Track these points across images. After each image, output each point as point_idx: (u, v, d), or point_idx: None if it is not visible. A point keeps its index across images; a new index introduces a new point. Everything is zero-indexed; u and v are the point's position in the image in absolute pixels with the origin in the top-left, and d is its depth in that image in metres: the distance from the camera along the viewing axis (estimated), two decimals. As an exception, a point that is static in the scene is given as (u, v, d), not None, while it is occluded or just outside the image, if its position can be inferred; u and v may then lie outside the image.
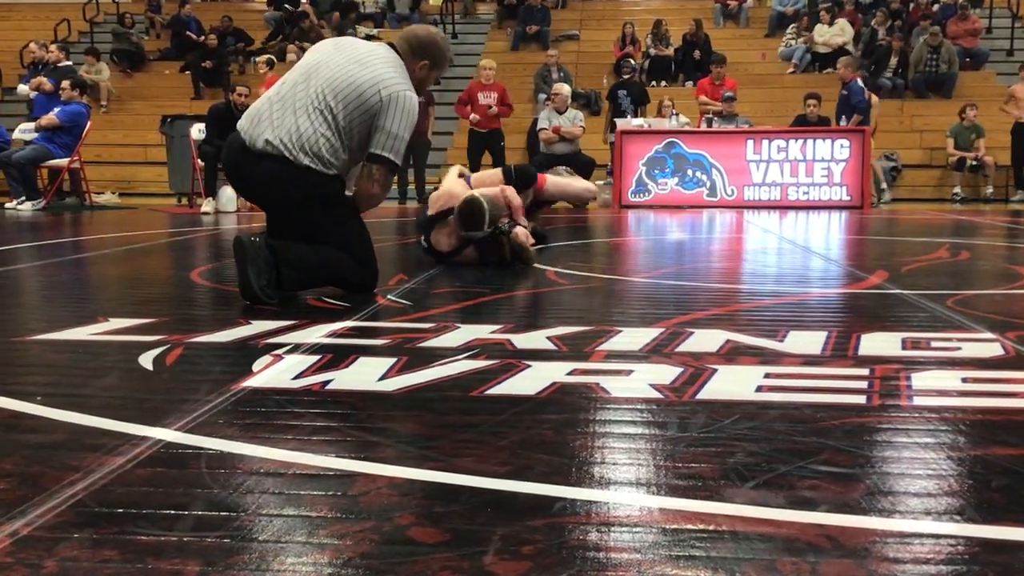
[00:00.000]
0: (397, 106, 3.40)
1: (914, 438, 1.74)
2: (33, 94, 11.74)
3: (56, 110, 10.50)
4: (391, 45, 3.64)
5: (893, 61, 14.48)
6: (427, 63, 3.64)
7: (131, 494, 1.43)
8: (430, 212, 4.63)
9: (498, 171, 5.41)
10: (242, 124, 3.51)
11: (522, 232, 4.63)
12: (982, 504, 1.40)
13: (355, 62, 3.45)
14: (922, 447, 1.68)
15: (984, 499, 1.43)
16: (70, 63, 12.50)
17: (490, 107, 11.38)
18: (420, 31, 3.74)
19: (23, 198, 10.07)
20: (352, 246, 3.52)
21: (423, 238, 4.70)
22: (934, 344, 2.62)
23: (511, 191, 4.90)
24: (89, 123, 10.72)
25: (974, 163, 12.25)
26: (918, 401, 2.01)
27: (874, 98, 11.88)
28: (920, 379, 2.20)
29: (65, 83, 10.68)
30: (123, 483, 1.48)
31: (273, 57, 13.13)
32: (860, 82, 11.43)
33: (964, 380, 2.21)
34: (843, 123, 11.13)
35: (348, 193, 3.65)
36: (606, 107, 12.58)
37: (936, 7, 15.72)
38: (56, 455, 1.62)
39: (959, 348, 2.57)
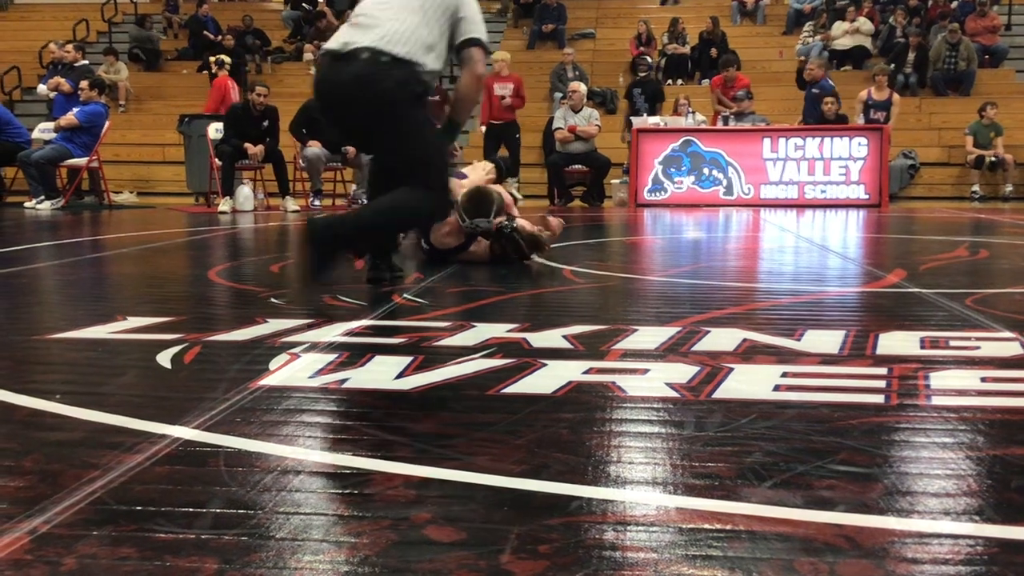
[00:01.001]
0: None
1: (933, 438, 1.73)
2: (52, 94, 11.81)
3: (75, 110, 10.55)
4: None
5: (910, 57, 14.38)
6: None
7: (149, 492, 1.44)
8: None
9: (487, 164, 5.33)
10: (326, 47, 3.66)
11: (526, 223, 4.62)
12: (1001, 504, 1.39)
13: None
14: (941, 447, 1.67)
15: (1003, 499, 1.42)
16: (87, 62, 12.57)
17: (503, 98, 11.38)
18: None
19: (42, 197, 10.12)
20: (430, 159, 3.59)
21: (421, 240, 4.68)
22: (953, 343, 2.61)
23: (500, 189, 4.89)
24: (108, 123, 10.77)
25: (993, 160, 12.16)
26: (937, 401, 2.00)
27: (895, 96, 11.83)
28: (939, 378, 2.18)
29: (84, 83, 10.73)
30: (141, 481, 1.49)
31: (224, 57, 12.99)
32: (830, 80, 11.52)
33: (983, 380, 2.20)
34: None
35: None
36: (623, 106, 12.56)
37: (955, 4, 15.62)
38: (75, 453, 1.63)
39: (978, 347, 2.55)
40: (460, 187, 4.61)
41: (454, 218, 4.48)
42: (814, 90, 11.27)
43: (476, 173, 5.02)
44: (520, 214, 4.86)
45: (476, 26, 3.66)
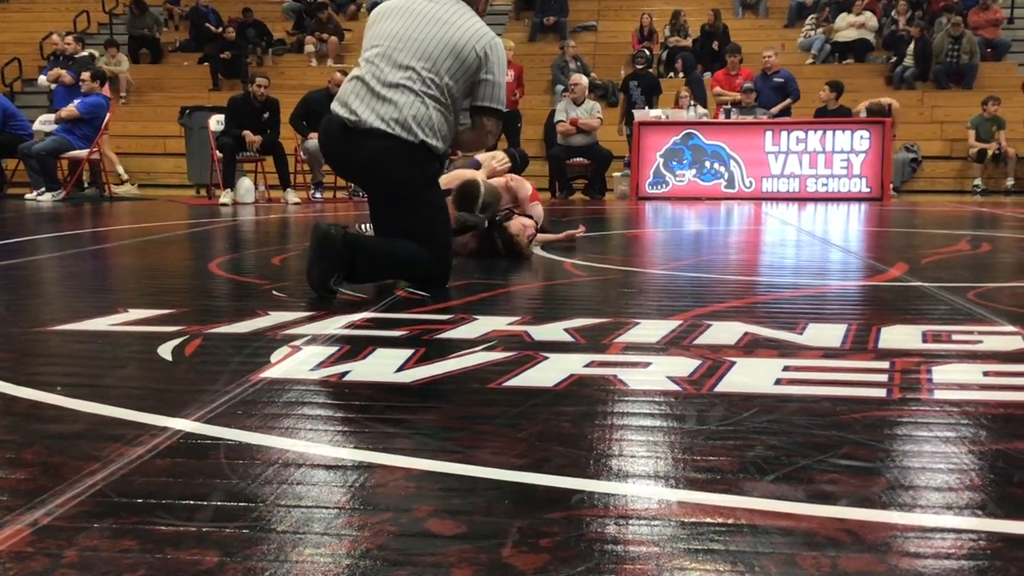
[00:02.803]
0: (494, 55, 3.42)
1: (935, 432, 1.72)
2: (53, 86, 11.80)
3: (76, 102, 10.55)
4: None
5: (910, 48, 14.34)
6: None
7: (150, 484, 1.44)
8: None
9: (499, 154, 5.32)
10: (336, 108, 3.48)
11: (517, 223, 4.58)
12: (1004, 499, 1.39)
13: (436, 23, 3.39)
14: (943, 441, 1.67)
15: (1006, 494, 1.41)
16: (86, 53, 12.55)
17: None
18: None
19: (43, 189, 10.12)
20: (434, 236, 3.49)
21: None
22: (955, 337, 2.60)
23: (519, 182, 4.86)
24: (108, 114, 10.76)
25: (995, 154, 12.14)
26: (939, 395, 2.00)
27: (894, 104, 11.82)
28: (941, 372, 2.18)
29: (85, 75, 10.73)
30: (143, 473, 1.49)
31: (93, 52, 13.02)
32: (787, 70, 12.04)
33: (985, 374, 2.20)
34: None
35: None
36: (621, 99, 12.54)
37: (958, -3, 15.59)
38: (76, 445, 1.63)
39: (980, 341, 2.55)
40: (463, 176, 4.60)
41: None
42: (777, 80, 11.47)
43: (488, 163, 5.00)
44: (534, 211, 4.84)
45: (494, 91, 3.46)
